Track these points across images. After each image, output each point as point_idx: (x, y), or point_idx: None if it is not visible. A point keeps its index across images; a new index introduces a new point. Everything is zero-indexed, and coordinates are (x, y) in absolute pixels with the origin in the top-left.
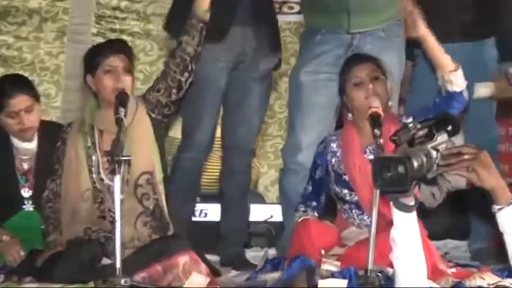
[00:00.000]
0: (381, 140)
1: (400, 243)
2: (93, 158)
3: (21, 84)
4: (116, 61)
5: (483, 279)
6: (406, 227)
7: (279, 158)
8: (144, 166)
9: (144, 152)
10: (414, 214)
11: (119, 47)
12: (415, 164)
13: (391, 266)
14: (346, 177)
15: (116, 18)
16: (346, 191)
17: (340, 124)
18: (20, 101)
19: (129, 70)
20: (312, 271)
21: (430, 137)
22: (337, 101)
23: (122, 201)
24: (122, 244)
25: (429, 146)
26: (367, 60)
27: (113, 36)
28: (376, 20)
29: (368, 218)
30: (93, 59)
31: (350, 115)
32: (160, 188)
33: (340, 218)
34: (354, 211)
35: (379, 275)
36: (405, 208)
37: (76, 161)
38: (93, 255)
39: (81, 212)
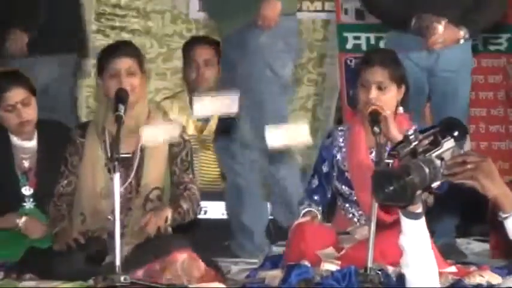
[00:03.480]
0: (382, 138)
1: (409, 250)
2: (104, 158)
3: (16, 78)
4: (119, 64)
5: (482, 277)
6: (415, 234)
7: None
8: (157, 181)
9: (158, 166)
10: (423, 220)
11: (124, 49)
12: (417, 177)
13: (392, 264)
14: (348, 175)
15: (116, 15)
16: (346, 188)
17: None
18: (15, 94)
19: (133, 72)
20: (309, 283)
21: (435, 144)
22: None
23: (130, 211)
24: (121, 242)
25: (434, 154)
26: (379, 65)
27: (112, 33)
28: (228, 25)
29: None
30: (100, 62)
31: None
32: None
33: (339, 214)
34: (353, 209)
35: (379, 272)
36: (413, 216)
37: (91, 161)
38: (98, 252)
39: (103, 208)
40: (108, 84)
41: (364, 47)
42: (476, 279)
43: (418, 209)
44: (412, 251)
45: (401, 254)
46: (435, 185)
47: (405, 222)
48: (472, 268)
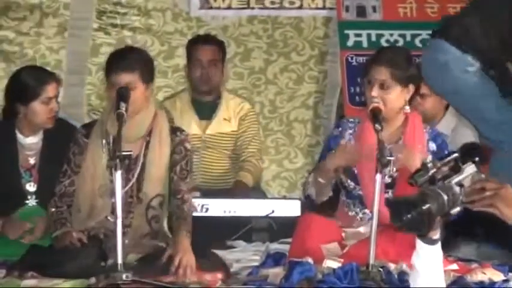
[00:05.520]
0: (381, 135)
1: (422, 273)
2: (104, 160)
3: (51, 72)
4: (118, 79)
5: (484, 274)
6: (429, 258)
7: (280, 153)
8: (159, 188)
9: (160, 173)
10: (439, 246)
11: (127, 62)
12: (434, 205)
13: (393, 261)
14: (355, 170)
15: (117, 13)
16: (351, 182)
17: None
18: (54, 88)
19: (133, 87)
20: (311, 281)
21: (456, 170)
22: None
23: (129, 213)
24: (124, 249)
25: (454, 181)
26: (384, 64)
27: (113, 31)
28: None
29: (371, 212)
30: (106, 66)
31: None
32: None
33: (342, 211)
34: (356, 206)
35: (381, 270)
36: (430, 241)
37: (93, 160)
38: (98, 253)
39: (98, 206)
40: (109, 94)
41: (365, 45)
42: (478, 277)
43: (436, 235)
44: (424, 274)
45: (404, 254)
46: (453, 212)
47: (421, 246)
48: (474, 265)
